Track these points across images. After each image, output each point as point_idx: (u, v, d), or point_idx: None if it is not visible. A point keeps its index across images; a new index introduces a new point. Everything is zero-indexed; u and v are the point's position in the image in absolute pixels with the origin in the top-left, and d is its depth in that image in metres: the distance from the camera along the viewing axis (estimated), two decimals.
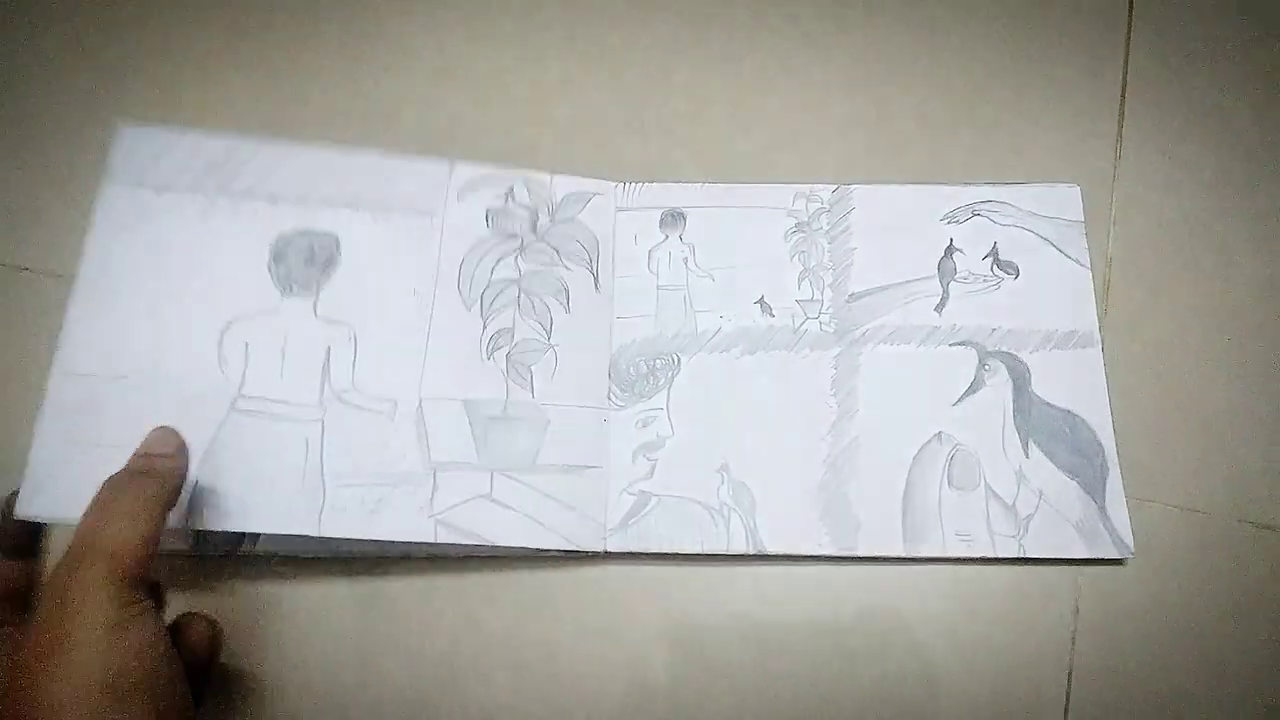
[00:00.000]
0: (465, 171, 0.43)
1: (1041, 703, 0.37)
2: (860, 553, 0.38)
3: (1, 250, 0.42)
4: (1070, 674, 0.37)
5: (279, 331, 0.39)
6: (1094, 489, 0.39)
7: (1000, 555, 0.38)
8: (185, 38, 0.46)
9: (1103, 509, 0.39)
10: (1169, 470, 0.40)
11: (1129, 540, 0.38)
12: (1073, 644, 0.38)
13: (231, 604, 0.38)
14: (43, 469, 0.35)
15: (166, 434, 0.35)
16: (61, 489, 0.34)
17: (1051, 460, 0.39)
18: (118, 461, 0.34)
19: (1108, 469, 0.39)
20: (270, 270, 0.40)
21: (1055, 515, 0.38)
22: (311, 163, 0.41)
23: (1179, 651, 0.38)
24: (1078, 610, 0.38)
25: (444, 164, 0.43)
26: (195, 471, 0.36)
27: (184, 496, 0.35)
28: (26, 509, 0.34)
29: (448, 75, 0.47)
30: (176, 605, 0.37)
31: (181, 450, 0.33)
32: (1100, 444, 0.39)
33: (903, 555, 0.38)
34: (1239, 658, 0.38)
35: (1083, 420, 0.40)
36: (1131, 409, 0.40)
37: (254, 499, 0.36)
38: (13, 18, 0.45)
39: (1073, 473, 0.39)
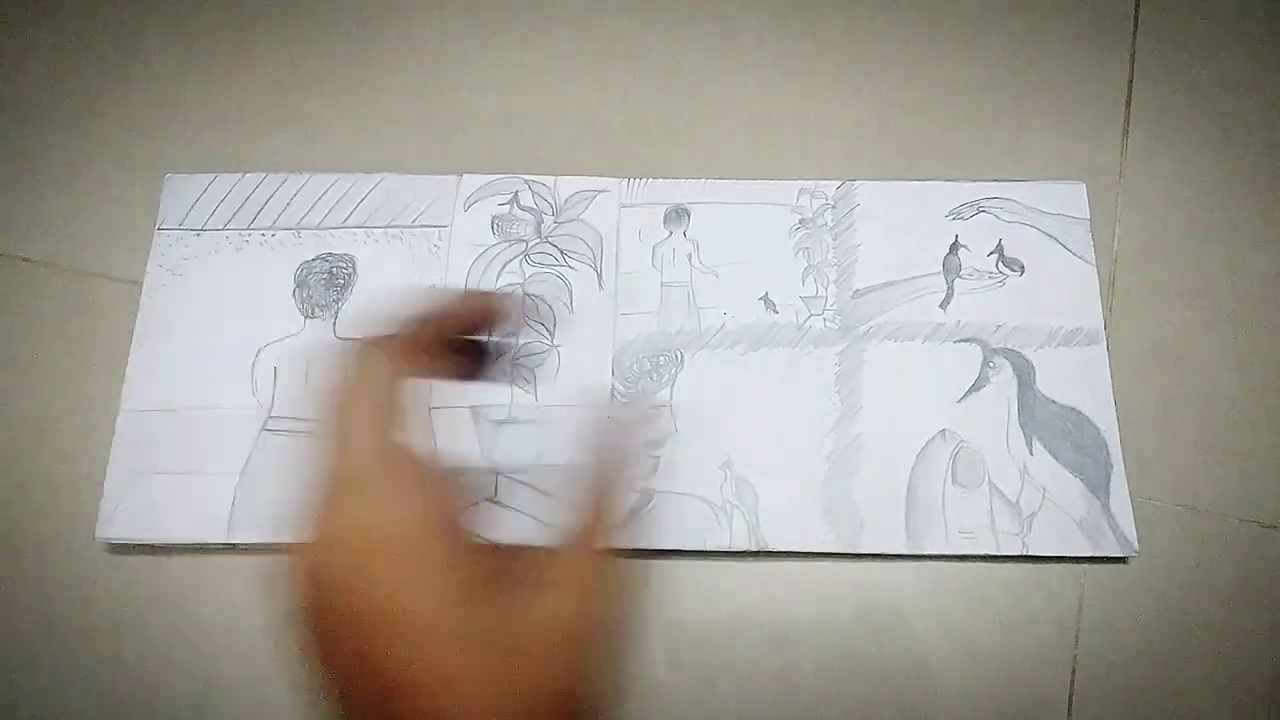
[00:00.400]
0: (471, 182, 0.44)
1: (1044, 702, 0.37)
2: (863, 550, 0.38)
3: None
4: (1073, 673, 0.37)
5: (302, 353, 0.41)
6: (1098, 487, 0.39)
7: (1004, 553, 0.38)
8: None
9: (1106, 506, 0.38)
10: (1173, 469, 0.40)
11: (1133, 539, 0.38)
12: (1076, 643, 0.38)
13: (227, 594, 0.38)
14: (114, 497, 0.38)
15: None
16: (130, 514, 0.38)
17: (1055, 458, 0.39)
18: (174, 487, 0.38)
19: (1112, 466, 0.39)
20: (295, 296, 0.42)
21: (1059, 513, 0.38)
22: (329, 190, 0.44)
23: (1182, 651, 0.38)
24: (1081, 609, 0.38)
25: (452, 177, 0.44)
26: (234, 489, 0.39)
27: (224, 511, 0.38)
28: (105, 532, 0.38)
29: (453, 83, 0.47)
30: (175, 593, 0.39)
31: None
32: (1105, 441, 0.39)
33: (906, 552, 0.38)
34: (1242, 658, 0.38)
35: (1087, 418, 0.40)
36: (1136, 407, 0.40)
37: (284, 513, 0.37)
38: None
39: (1077, 470, 0.39)
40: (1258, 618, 0.38)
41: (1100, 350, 0.41)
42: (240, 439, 0.39)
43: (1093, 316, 0.41)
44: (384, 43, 0.48)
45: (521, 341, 0.41)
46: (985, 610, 0.38)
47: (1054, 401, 0.40)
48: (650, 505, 0.38)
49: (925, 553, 0.38)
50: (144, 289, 0.42)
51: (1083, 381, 0.40)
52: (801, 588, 0.38)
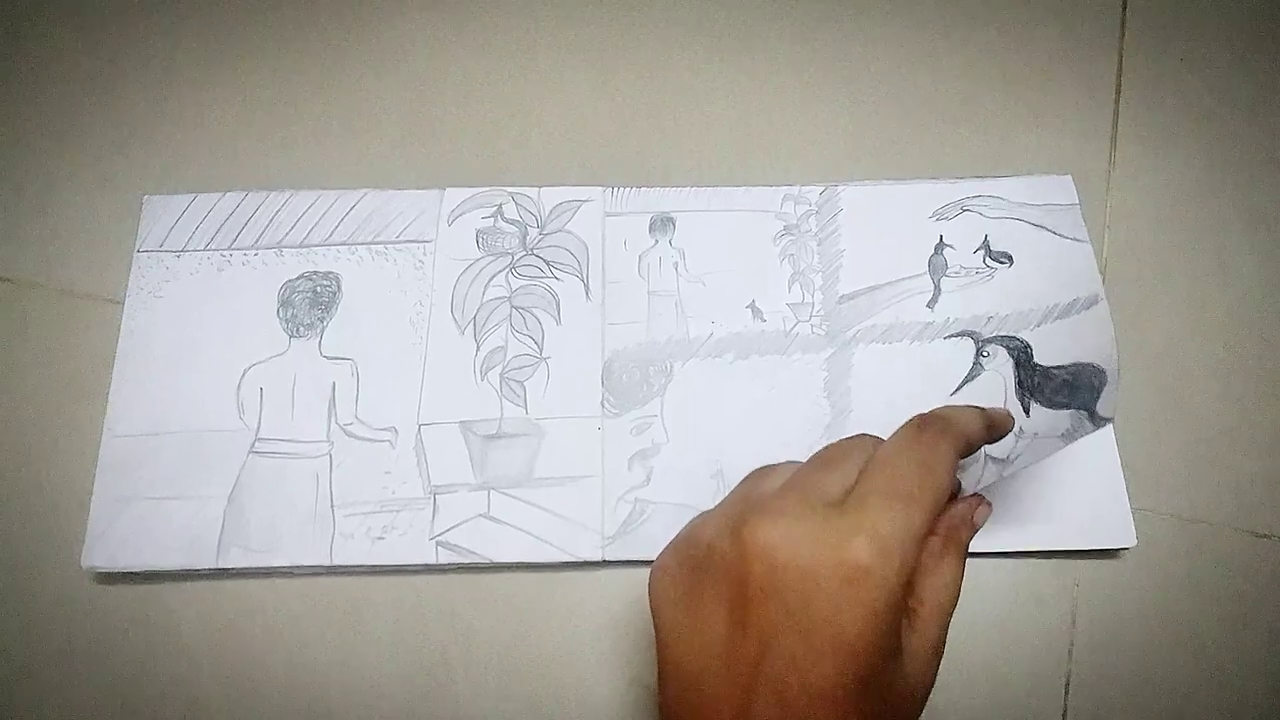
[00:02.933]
0: (455, 196, 0.44)
1: (1038, 710, 0.37)
2: None
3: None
4: (1068, 682, 0.37)
5: (288, 374, 0.40)
6: (1087, 403, 0.36)
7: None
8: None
9: (1092, 413, 0.36)
10: (1166, 478, 0.40)
11: (1110, 413, 0.34)
12: (1070, 653, 0.38)
13: (220, 606, 0.38)
14: (100, 524, 0.38)
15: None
16: (116, 541, 0.38)
17: (1050, 407, 0.38)
18: (161, 513, 0.38)
19: (1106, 384, 0.36)
20: (279, 316, 0.41)
21: (1043, 440, 0.36)
22: (311, 207, 0.43)
23: (1177, 660, 0.38)
24: (1074, 620, 0.38)
25: (435, 191, 0.44)
26: (222, 514, 0.38)
27: (213, 536, 0.38)
28: (91, 560, 0.37)
29: (433, 97, 0.47)
30: (163, 620, 0.38)
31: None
32: (1104, 371, 0.37)
33: None
34: (1237, 666, 0.37)
35: (1089, 364, 0.38)
36: (1128, 416, 0.40)
37: (274, 536, 0.38)
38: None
39: (1068, 405, 0.37)
40: (1251, 627, 0.38)
41: (1102, 309, 0.40)
42: (227, 462, 0.39)
43: (1091, 284, 0.41)
44: (363, 58, 0.48)
45: (510, 355, 0.41)
46: (978, 616, 0.38)
47: (1055, 367, 0.39)
48: (644, 516, 0.38)
49: None
50: (124, 312, 0.41)
51: (1085, 339, 0.39)
52: None
